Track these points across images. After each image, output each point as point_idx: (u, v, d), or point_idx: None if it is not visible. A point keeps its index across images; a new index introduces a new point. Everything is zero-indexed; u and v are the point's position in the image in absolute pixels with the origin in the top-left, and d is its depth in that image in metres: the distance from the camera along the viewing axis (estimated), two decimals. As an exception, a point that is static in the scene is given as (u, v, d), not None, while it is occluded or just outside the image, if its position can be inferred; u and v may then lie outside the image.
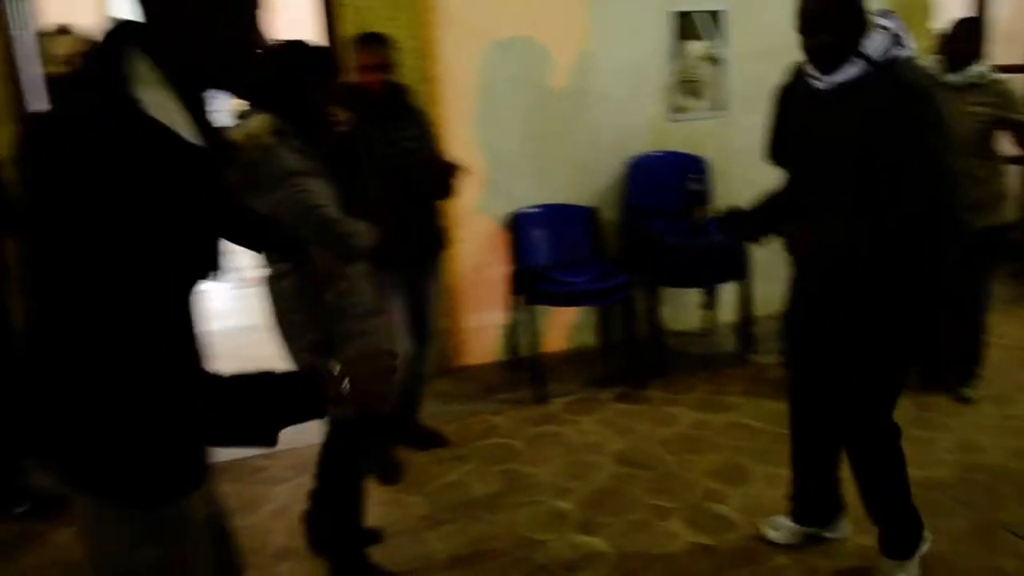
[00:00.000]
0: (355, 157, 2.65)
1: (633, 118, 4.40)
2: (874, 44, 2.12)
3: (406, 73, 3.88)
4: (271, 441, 1.23)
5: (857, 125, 2.14)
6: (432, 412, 3.72)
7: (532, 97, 4.19)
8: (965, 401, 3.71)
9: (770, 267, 4.61)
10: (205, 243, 1.30)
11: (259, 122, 2.26)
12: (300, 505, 2.85)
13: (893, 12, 2.20)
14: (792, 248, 2.34)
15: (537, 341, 4.16)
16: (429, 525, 2.97)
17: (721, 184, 4.44)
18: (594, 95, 4.29)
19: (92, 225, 1.10)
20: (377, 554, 2.73)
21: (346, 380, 1.26)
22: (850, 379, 2.36)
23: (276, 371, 1.26)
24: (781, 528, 2.76)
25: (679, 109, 4.47)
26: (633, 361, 4.18)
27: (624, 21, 4.28)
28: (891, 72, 2.12)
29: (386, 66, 3.06)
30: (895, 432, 2.42)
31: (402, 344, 3.19)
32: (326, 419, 2.44)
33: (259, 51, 1.29)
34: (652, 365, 4.17)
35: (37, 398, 1.25)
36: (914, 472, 2.75)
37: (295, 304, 2.41)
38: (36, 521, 3.04)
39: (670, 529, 2.87)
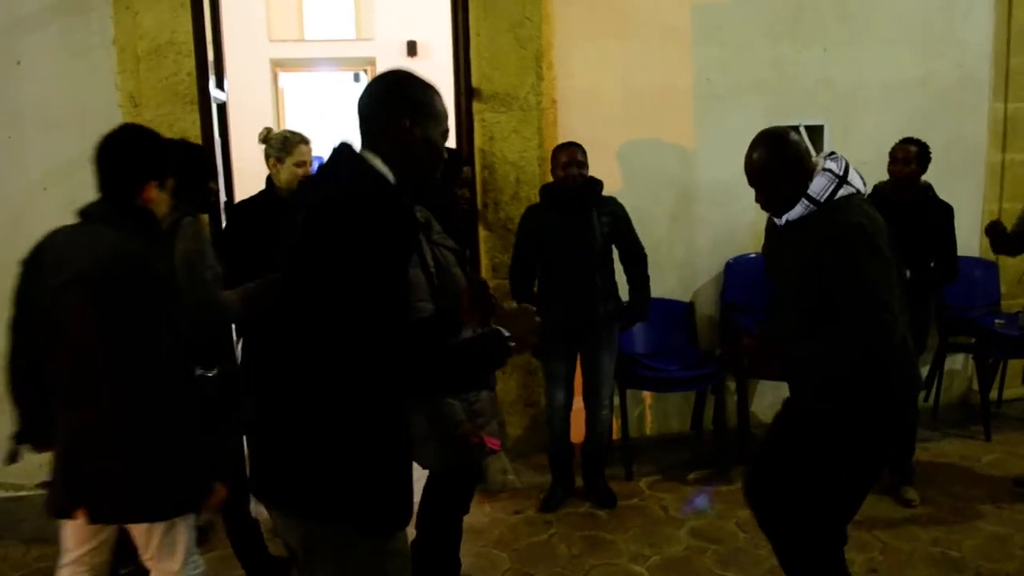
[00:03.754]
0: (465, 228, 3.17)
1: (734, 220, 4.71)
2: (817, 186, 2.38)
3: (528, 180, 4.43)
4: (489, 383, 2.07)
5: (803, 257, 2.39)
6: (529, 481, 4.13)
7: (640, 200, 4.59)
8: (908, 504, 3.83)
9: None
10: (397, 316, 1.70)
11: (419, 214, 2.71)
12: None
13: (836, 153, 2.46)
14: (747, 362, 2.54)
15: (630, 423, 4.48)
16: (513, 576, 3.32)
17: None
18: (699, 200, 4.66)
19: (372, 263, 1.57)
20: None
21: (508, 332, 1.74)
22: (802, 498, 2.51)
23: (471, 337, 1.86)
24: None
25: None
26: (719, 447, 4.43)
27: (728, 131, 4.65)
28: (831, 210, 2.37)
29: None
30: (840, 541, 2.57)
31: (560, 393, 3.87)
32: (428, 473, 2.89)
33: (441, 165, 1.85)
34: (737, 452, 4.40)
35: (286, 452, 1.71)
36: (982, 564, 2.92)
37: None
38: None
39: (732, 597, 3.10)
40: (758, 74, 4.69)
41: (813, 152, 2.50)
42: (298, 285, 1.66)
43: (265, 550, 3.29)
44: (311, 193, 1.81)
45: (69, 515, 2.25)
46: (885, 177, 4.06)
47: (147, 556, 2.30)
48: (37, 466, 4.20)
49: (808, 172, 2.42)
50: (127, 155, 2.26)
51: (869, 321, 2.28)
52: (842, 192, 2.39)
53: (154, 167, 2.28)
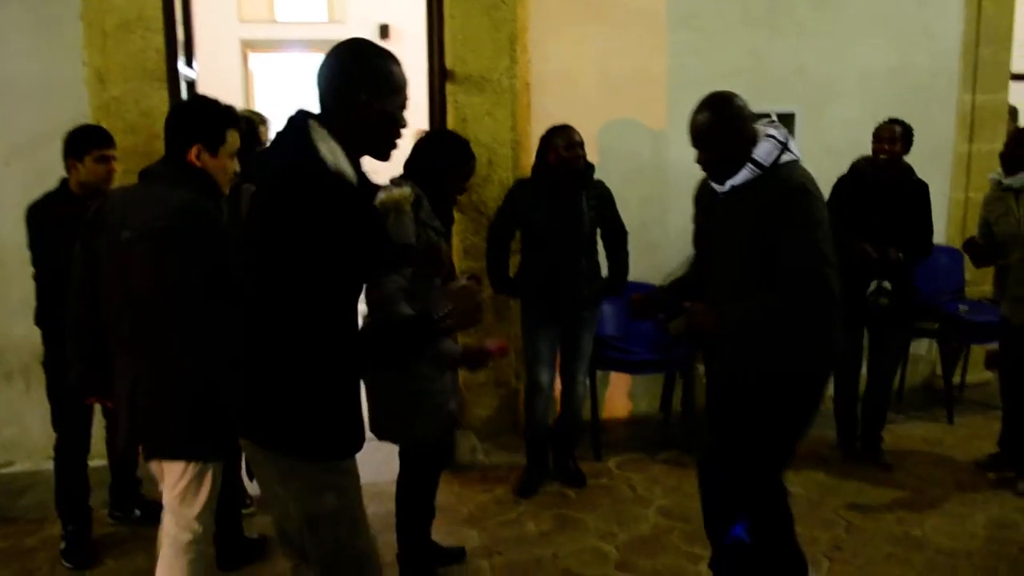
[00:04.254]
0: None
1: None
2: (763, 151, 2.44)
3: (501, 162, 4.43)
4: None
5: (748, 222, 2.44)
6: (498, 461, 4.16)
7: (614, 182, 4.59)
8: (886, 468, 4.03)
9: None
10: (366, 257, 1.85)
11: (403, 191, 2.76)
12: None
13: (777, 122, 2.52)
14: (691, 325, 2.59)
15: (600, 405, 4.50)
16: (483, 554, 3.34)
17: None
18: (672, 184, 4.69)
19: (296, 243, 1.68)
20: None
21: (450, 309, 1.87)
22: (743, 450, 2.61)
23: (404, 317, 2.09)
24: None
25: (748, 201, 4.82)
26: (688, 429, 4.47)
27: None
28: (776, 175, 2.44)
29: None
30: (783, 493, 2.68)
31: (544, 374, 3.86)
32: (401, 456, 3.01)
33: (402, 131, 1.89)
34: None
35: (251, 386, 1.87)
36: (944, 542, 2.98)
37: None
38: (147, 526, 3.51)
39: (701, 573, 3.13)
40: (733, 61, 4.71)
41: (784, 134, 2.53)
42: (256, 248, 1.80)
43: (241, 530, 3.34)
44: (263, 166, 1.97)
45: (130, 454, 2.50)
46: (858, 158, 4.12)
47: (173, 494, 2.43)
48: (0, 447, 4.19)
49: (752, 137, 2.47)
50: (177, 118, 2.54)
51: (817, 279, 2.35)
52: (785, 158, 2.45)
53: (200, 131, 2.42)
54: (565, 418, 4.03)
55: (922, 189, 4.03)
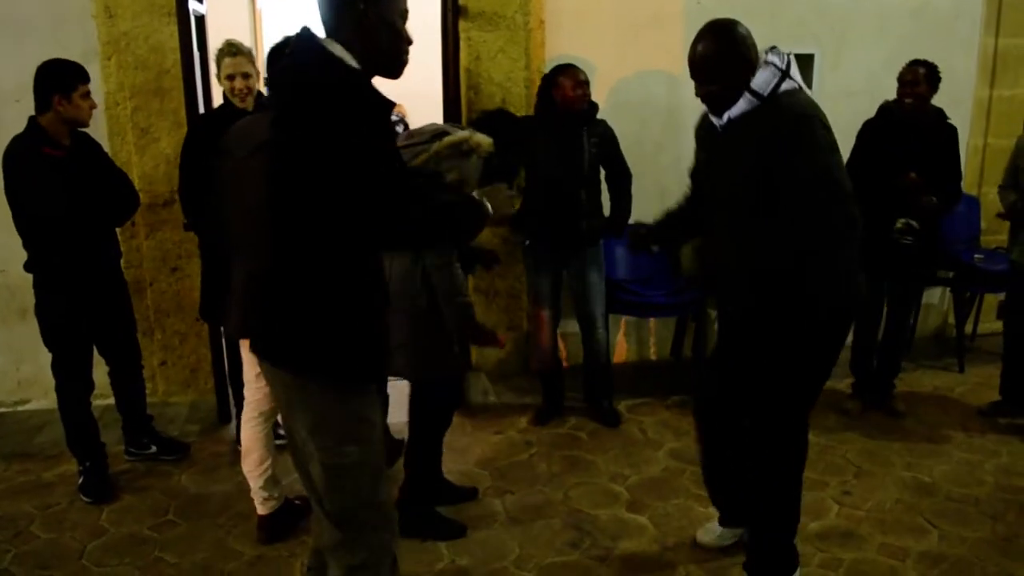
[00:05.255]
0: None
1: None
2: (761, 80, 2.31)
3: (514, 101, 4.36)
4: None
5: (749, 154, 2.34)
6: (509, 402, 4.20)
7: (627, 125, 4.55)
8: (898, 416, 4.06)
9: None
10: (393, 186, 1.78)
11: (487, 139, 2.75)
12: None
13: (777, 48, 2.38)
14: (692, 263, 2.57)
15: (611, 348, 4.51)
16: (495, 493, 3.37)
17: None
18: (686, 126, 4.61)
19: (328, 156, 1.67)
20: (448, 511, 3.14)
21: (487, 204, 1.94)
22: (766, 394, 2.53)
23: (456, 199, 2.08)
24: (711, 533, 2.98)
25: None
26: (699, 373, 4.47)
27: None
28: (776, 103, 2.31)
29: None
30: (804, 429, 2.60)
31: (545, 311, 3.94)
32: (411, 393, 3.03)
33: (407, 46, 1.86)
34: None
35: (280, 312, 1.87)
36: (952, 488, 2.99)
37: None
38: (161, 462, 3.63)
39: (710, 514, 3.15)
40: (750, 1, 4.60)
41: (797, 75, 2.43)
42: (284, 174, 1.78)
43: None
44: (281, 90, 1.91)
45: (237, 339, 3.01)
46: (873, 108, 4.04)
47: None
48: (16, 384, 4.22)
49: (752, 65, 2.36)
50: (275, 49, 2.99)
51: (836, 208, 2.28)
52: (785, 86, 2.33)
53: None
54: (590, 360, 4.08)
55: (951, 132, 3.93)
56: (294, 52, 1.84)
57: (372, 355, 1.93)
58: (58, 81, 3.10)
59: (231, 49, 3.39)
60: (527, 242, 3.94)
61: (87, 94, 3.16)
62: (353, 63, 1.74)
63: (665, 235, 2.84)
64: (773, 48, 2.39)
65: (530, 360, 4.15)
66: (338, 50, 1.74)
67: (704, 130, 2.62)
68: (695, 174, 2.83)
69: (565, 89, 3.69)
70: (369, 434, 1.94)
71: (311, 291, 1.82)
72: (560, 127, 3.75)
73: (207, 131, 3.27)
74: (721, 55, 2.36)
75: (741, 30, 2.39)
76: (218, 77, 3.46)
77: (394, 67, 1.84)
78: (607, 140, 3.87)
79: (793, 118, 2.30)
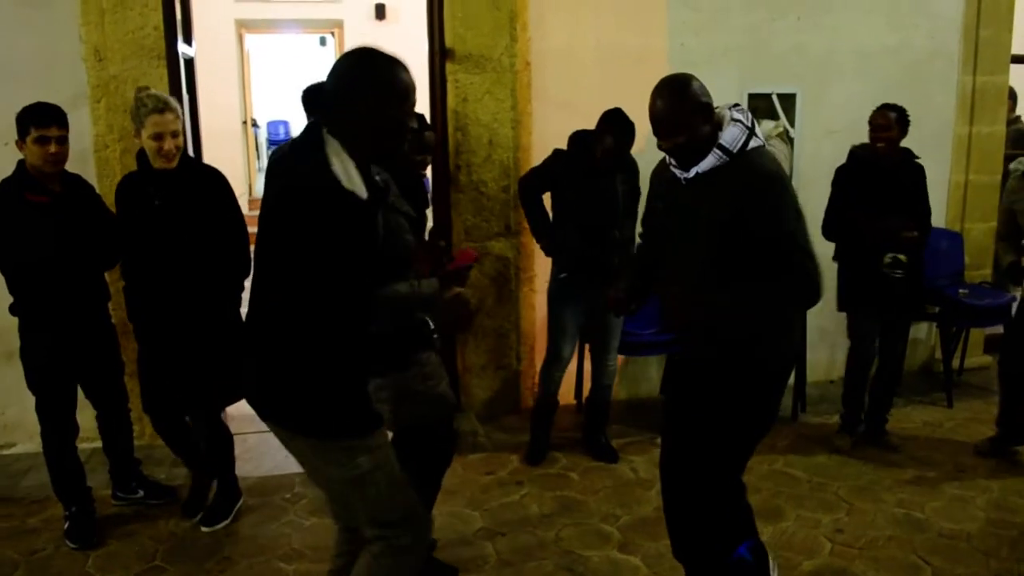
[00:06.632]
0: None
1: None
2: (730, 136, 2.32)
3: (501, 142, 4.40)
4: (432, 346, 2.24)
5: (718, 209, 2.32)
6: (499, 441, 4.17)
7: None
8: (893, 449, 4.10)
9: (825, 335, 4.90)
10: (371, 265, 1.94)
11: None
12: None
13: (740, 105, 2.42)
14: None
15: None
16: (485, 536, 3.34)
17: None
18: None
19: (309, 253, 1.82)
20: (439, 554, 3.09)
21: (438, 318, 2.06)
22: (699, 443, 2.51)
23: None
24: None
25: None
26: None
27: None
28: (747, 160, 2.32)
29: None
30: (741, 490, 2.61)
31: (567, 347, 3.98)
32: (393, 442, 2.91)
33: (410, 135, 2.01)
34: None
35: (268, 371, 1.99)
36: (944, 524, 3.00)
37: None
38: (149, 506, 3.58)
39: (702, 555, 3.13)
40: (732, 40, 4.69)
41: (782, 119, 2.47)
42: (270, 246, 1.92)
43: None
44: (282, 170, 2.06)
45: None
46: (854, 145, 4.11)
47: None
48: (1, 427, 4.17)
49: (712, 109, 2.36)
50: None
51: (800, 270, 2.30)
52: (753, 143, 2.34)
53: None
54: (596, 394, 4.10)
55: (919, 172, 4.03)
56: (296, 147, 1.98)
57: (358, 414, 2.05)
58: (18, 125, 3.06)
59: (158, 105, 3.04)
60: (562, 275, 3.92)
61: (42, 139, 3.00)
62: (347, 178, 1.85)
63: (640, 293, 2.80)
64: (736, 105, 2.43)
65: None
66: (336, 161, 1.86)
67: (665, 180, 2.58)
68: (650, 221, 2.85)
69: (609, 151, 3.70)
70: (373, 443, 2.06)
71: (294, 350, 1.92)
72: (595, 171, 3.78)
73: (126, 203, 3.20)
74: (685, 109, 2.33)
75: (697, 84, 2.38)
76: (136, 134, 3.12)
77: (391, 159, 2.01)
78: (633, 172, 3.91)
79: (765, 175, 2.33)
